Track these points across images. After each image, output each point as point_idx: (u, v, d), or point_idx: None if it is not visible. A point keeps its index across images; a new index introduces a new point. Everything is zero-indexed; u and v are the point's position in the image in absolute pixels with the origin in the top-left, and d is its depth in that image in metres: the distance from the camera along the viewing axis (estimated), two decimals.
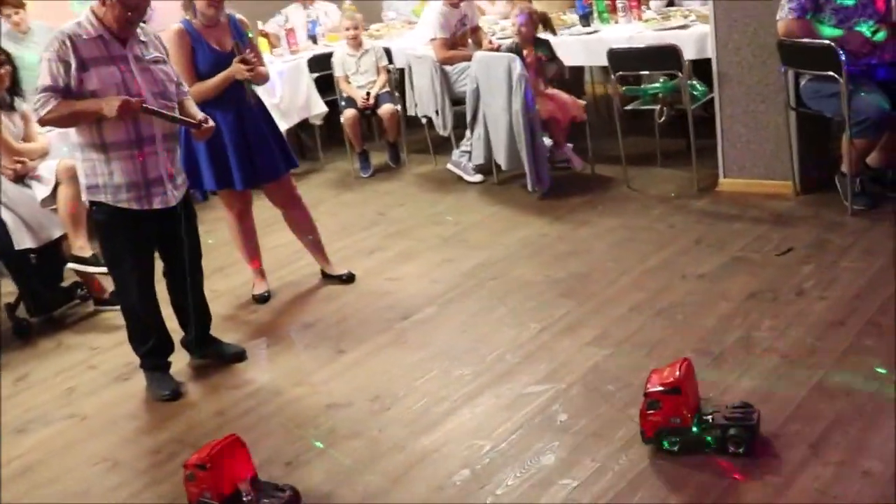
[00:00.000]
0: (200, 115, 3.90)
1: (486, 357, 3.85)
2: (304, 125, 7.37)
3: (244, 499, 2.95)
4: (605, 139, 6.16)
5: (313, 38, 7.87)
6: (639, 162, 5.86)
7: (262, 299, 4.83)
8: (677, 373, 3.07)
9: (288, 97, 6.91)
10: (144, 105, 3.62)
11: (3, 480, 3.51)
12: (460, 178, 6.29)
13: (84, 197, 3.87)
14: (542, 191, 5.65)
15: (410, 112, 6.72)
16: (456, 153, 6.34)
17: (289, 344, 4.31)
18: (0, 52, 4.91)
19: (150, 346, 4.03)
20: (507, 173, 6.04)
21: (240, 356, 4.22)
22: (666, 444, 3.01)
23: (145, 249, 3.93)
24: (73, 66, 3.59)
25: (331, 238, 5.43)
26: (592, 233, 5.01)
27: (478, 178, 6.23)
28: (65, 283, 5.20)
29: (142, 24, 3.80)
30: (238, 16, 4.66)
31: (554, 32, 5.92)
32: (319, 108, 7.13)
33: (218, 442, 3.01)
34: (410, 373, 3.83)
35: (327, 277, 4.94)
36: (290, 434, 3.50)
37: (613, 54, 5.43)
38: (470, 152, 6.19)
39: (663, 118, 5.41)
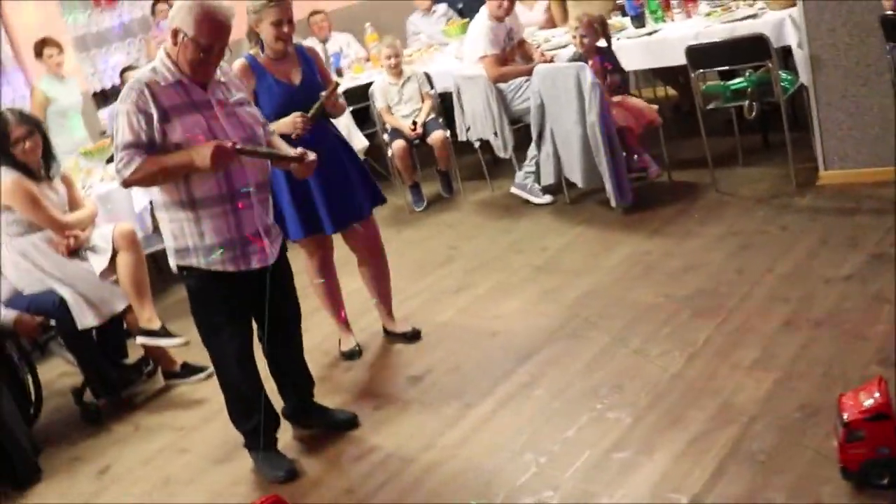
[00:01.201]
0: (297, 149, 3.46)
1: (639, 396, 3.42)
2: None
3: None
4: (672, 143, 5.76)
5: (338, 71, 7.50)
6: (719, 163, 5.47)
7: (354, 355, 4.39)
8: (877, 394, 2.67)
9: None
10: (238, 147, 3.20)
11: None
12: (527, 202, 5.88)
13: (172, 262, 3.44)
14: (626, 205, 5.25)
15: (462, 137, 6.32)
16: (520, 175, 5.94)
17: (402, 404, 3.87)
18: (28, 121, 4.44)
19: (255, 422, 3.57)
20: (579, 191, 5.65)
21: (352, 423, 3.77)
22: (875, 479, 2.61)
23: (244, 315, 3.50)
24: (155, 117, 3.18)
25: (408, 280, 5.04)
26: (701, 244, 4.60)
27: (547, 199, 5.82)
28: (130, 361, 4.77)
29: (224, 65, 3.40)
30: (305, 43, 4.22)
31: (609, 39, 5.55)
32: (361, 142, 6.73)
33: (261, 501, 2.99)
34: (555, 422, 3.40)
35: (390, 336, 4.48)
36: None
37: (693, 51, 5.04)
38: (535, 173, 5.79)
39: (754, 113, 5.02)
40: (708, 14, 5.72)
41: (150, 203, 5.71)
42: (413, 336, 4.38)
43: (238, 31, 3.46)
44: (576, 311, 4.23)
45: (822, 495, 2.66)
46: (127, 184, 3.26)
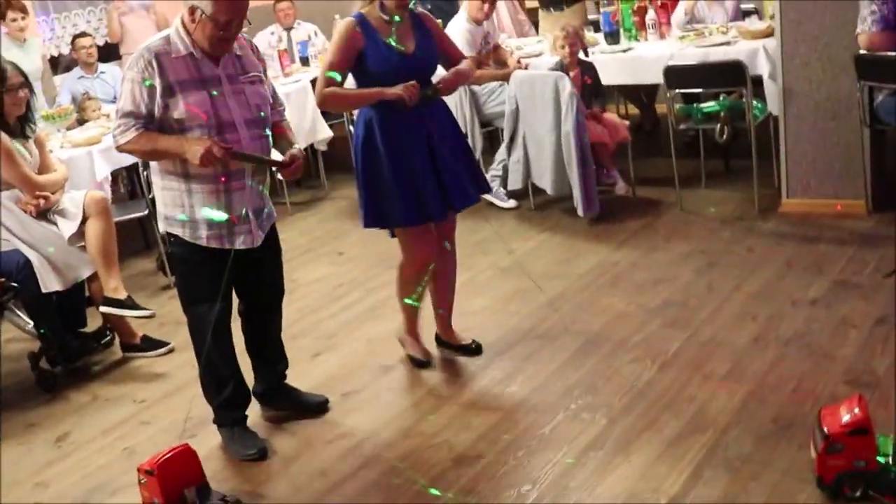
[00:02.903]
0: (294, 149, 3.44)
1: (613, 399, 3.49)
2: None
3: None
4: (634, 161, 5.88)
5: (304, 60, 7.46)
6: (680, 184, 5.59)
7: (425, 362, 4.01)
8: (857, 410, 2.79)
9: (294, 121, 6.43)
10: (232, 151, 3.19)
11: None
12: (491, 204, 5.94)
13: (161, 227, 3.41)
14: (592, 215, 5.34)
15: None
16: (486, 178, 5.98)
17: (374, 392, 3.88)
18: (23, 74, 4.36)
19: (226, 395, 3.55)
20: (543, 197, 5.73)
21: (322, 406, 3.77)
22: (849, 490, 2.72)
23: (224, 289, 3.47)
24: (158, 90, 3.16)
25: (373, 273, 5.05)
26: (668, 258, 4.71)
27: (512, 203, 5.90)
28: (88, 329, 4.67)
29: (245, 35, 3.37)
30: (419, 9, 3.79)
31: (586, 52, 5.66)
32: (325, 132, 6.73)
33: (170, 449, 3.15)
34: (532, 418, 3.46)
35: (446, 347, 4.10)
36: (424, 498, 3.08)
37: (672, 71, 5.17)
38: (502, 176, 5.85)
39: (724, 137, 5.17)
40: (682, 37, 5.86)
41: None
42: (475, 350, 4.03)
43: None
44: (546, 314, 4.29)
45: (797, 502, 2.76)
46: (120, 149, 3.28)
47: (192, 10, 3.16)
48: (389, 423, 3.60)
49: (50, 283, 4.27)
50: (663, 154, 5.77)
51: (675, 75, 5.18)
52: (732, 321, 3.95)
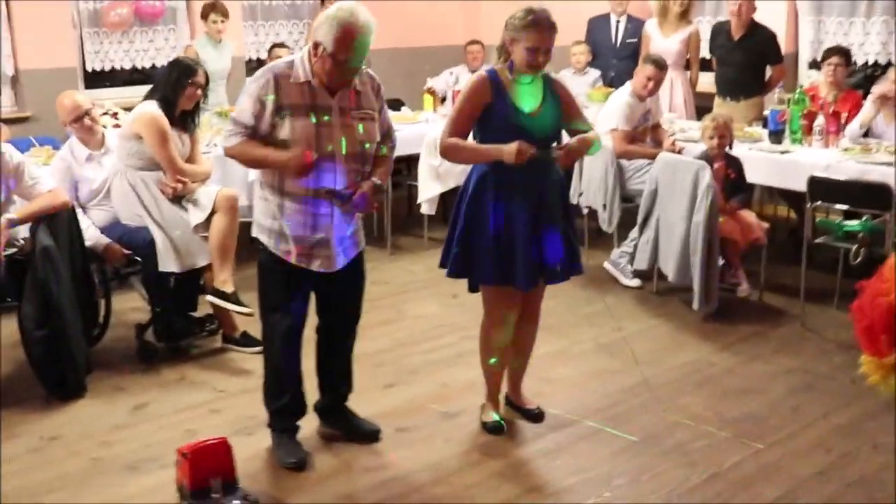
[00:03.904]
0: (367, 183, 3.52)
1: (649, 497, 3.42)
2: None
3: (212, 494, 3.25)
4: (773, 265, 5.70)
5: None
6: (812, 298, 5.37)
7: (498, 430, 3.94)
8: None
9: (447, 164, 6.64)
10: (326, 191, 3.43)
11: None
12: (615, 280, 5.90)
13: (253, 232, 3.63)
14: (708, 312, 5.22)
15: (573, 200, 6.37)
16: (616, 252, 5.97)
17: (429, 434, 3.95)
18: (205, 76, 4.77)
19: (283, 403, 3.71)
20: (667, 284, 5.63)
21: (374, 435, 3.87)
22: None
23: (300, 304, 3.65)
24: (269, 110, 3.40)
25: (477, 322, 5.09)
26: (767, 371, 4.54)
27: (635, 282, 5.84)
28: (197, 314, 4.98)
29: (370, 72, 3.56)
30: (554, 75, 3.81)
31: (730, 146, 5.51)
32: None
33: (209, 439, 3.37)
34: (561, 497, 3.43)
35: (511, 407, 4.10)
36: None
37: (815, 182, 5.01)
38: (632, 254, 5.80)
39: (859, 259, 4.95)
40: (846, 149, 5.65)
41: None
42: (536, 417, 4.03)
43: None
44: (623, 399, 4.24)
45: None
46: (225, 153, 3.57)
47: (316, 45, 3.36)
48: (428, 467, 3.66)
49: (168, 263, 4.60)
50: (817, 267, 5.58)
51: (819, 187, 5.01)
52: (805, 449, 3.78)
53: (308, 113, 3.41)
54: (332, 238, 3.52)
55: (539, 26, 3.53)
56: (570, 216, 3.90)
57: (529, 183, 3.64)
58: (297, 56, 3.49)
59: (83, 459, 3.76)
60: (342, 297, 3.72)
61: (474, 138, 3.75)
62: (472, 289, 3.89)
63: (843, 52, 6.25)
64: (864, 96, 6.10)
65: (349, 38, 3.30)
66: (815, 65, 7.39)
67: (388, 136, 3.69)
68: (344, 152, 3.45)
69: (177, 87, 4.63)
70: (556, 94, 3.73)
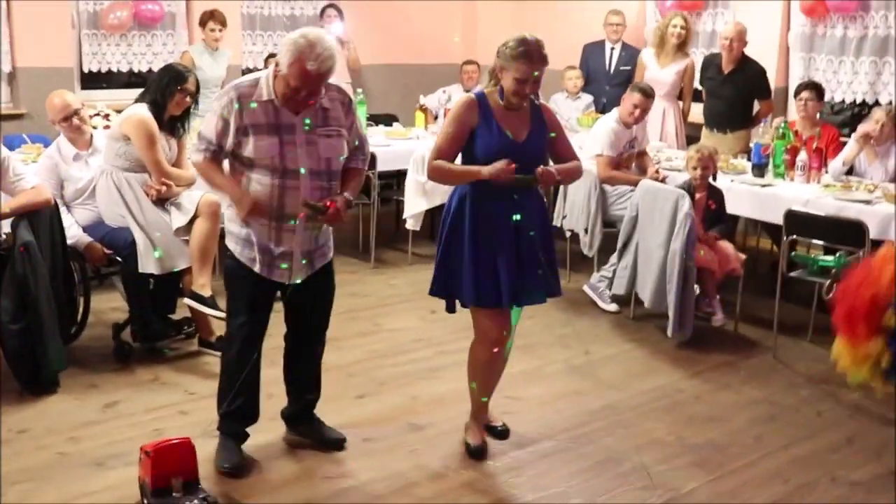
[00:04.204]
0: (340, 197, 3.56)
1: None
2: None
3: (172, 493, 3.32)
4: (749, 296, 5.75)
5: None
6: (787, 331, 5.43)
7: (479, 453, 3.90)
8: None
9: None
10: (303, 202, 3.47)
11: None
12: (594, 304, 5.96)
13: (227, 240, 3.69)
14: (682, 339, 5.28)
15: (556, 223, 6.43)
16: (595, 277, 6.03)
17: (394, 444, 4.00)
18: (195, 84, 4.84)
19: (234, 407, 3.76)
20: (644, 310, 5.68)
21: (338, 444, 3.92)
22: None
23: (262, 311, 3.70)
24: (232, 129, 3.45)
25: (453, 338, 5.16)
26: (734, 400, 4.59)
27: (613, 307, 5.89)
28: (174, 317, 5.03)
29: (340, 86, 3.63)
30: (542, 102, 3.85)
31: (714, 177, 5.57)
32: None
33: (172, 439, 3.44)
34: None
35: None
36: None
37: (792, 216, 5.08)
38: (611, 279, 5.86)
39: (831, 294, 5.00)
40: (826, 186, 5.72)
41: None
42: (501, 434, 4.06)
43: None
44: (587, 420, 4.29)
45: None
46: (193, 165, 3.72)
47: (276, 63, 3.41)
48: (389, 477, 3.71)
49: (148, 265, 4.65)
50: (792, 300, 5.67)
51: (796, 221, 5.07)
52: (762, 479, 3.83)
53: (271, 132, 3.44)
54: (296, 252, 3.58)
55: (529, 58, 3.55)
56: (549, 239, 3.90)
57: (508, 205, 3.67)
58: (263, 74, 3.52)
59: (49, 453, 3.81)
60: (309, 307, 3.77)
61: (462, 162, 3.76)
62: (449, 309, 3.90)
63: (814, 87, 6.32)
64: (850, 134, 6.18)
65: (302, 69, 3.33)
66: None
67: (359, 149, 3.73)
68: (308, 169, 3.48)
69: (166, 93, 4.70)
70: (543, 122, 3.77)
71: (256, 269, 3.57)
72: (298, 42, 3.34)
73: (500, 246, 3.69)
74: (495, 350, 3.86)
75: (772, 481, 3.80)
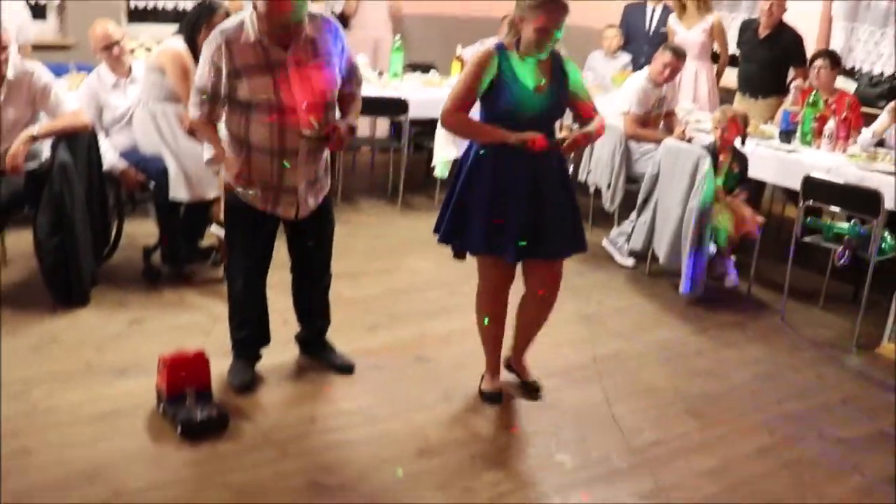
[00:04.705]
0: (344, 122, 3.68)
1: (590, 451, 3.64)
2: None
3: (186, 402, 3.54)
4: (768, 261, 5.83)
5: None
6: (799, 296, 5.53)
7: (496, 398, 4.01)
8: None
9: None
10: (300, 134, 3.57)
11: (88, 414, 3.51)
12: (611, 258, 6.08)
13: (222, 174, 3.87)
14: (693, 296, 5.38)
15: (581, 178, 6.54)
16: (614, 231, 6.14)
17: (399, 374, 4.19)
18: (226, 16, 4.91)
19: (243, 335, 3.99)
20: (659, 267, 5.79)
21: (347, 369, 4.12)
22: None
23: (262, 246, 3.86)
24: (225, 73, 3.51)
25: (467, 280, 5.31)
26: (736, 357, 4.71)
27: (630, 262, 6.01)
28: (202, 244, 5.25)
29: (325, 16, 3.67)
30: (563, 51, 3.78)
31: (743, 141, 5.62)
32: None
33: (188, 351, 3.66)
34: (509, 445, 3.66)
35: (511, 373, 4.18)
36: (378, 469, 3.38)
37: (809, 182, 5.14)
38: (629, 234, 5.97)
39: (842, 261, 5.08)
40: (852, 156, 5.76)
41: None
42: (531, 388, 4.09)
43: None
44: (590, 365, 4.44)
45: None
46: (189, 125, 3.94)
47: (256, 3, 3.46)
48: (389, 402, 3.93)
49: (179, 192, 4.86)
50: (809, 266, 5.77)
51: (812, 187, 5.13)
52: (750, 429, 3.96)
53: (263, 71, 3.49)
54: (300, 186, 3.69)
55: (548, 9, 3.54)
56: (572, 194, 3.90)
57: (526, 166, 3.68)
58: (245, 16, 3.52)
59: (77, 361, 4.05)
60: (310, 240, 3.93)
61: (480, 113, 3.79)
62: (457, 255, 3.99)
63: (830, 55, 6.35)
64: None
65: (275, 5, 3.40)
66: (842, 71, 7.44)
67: (353, 74, 3.79)
68: (304, 104, 3.54)
69: (196, 26, 4.84)
70: (565, 74, 3.75)
71: (258, 206, 3.70)
72: None
73: (514, 202, 3.70)
74: (498, 303, 3.94)
75: (758, 431, 3.94)
